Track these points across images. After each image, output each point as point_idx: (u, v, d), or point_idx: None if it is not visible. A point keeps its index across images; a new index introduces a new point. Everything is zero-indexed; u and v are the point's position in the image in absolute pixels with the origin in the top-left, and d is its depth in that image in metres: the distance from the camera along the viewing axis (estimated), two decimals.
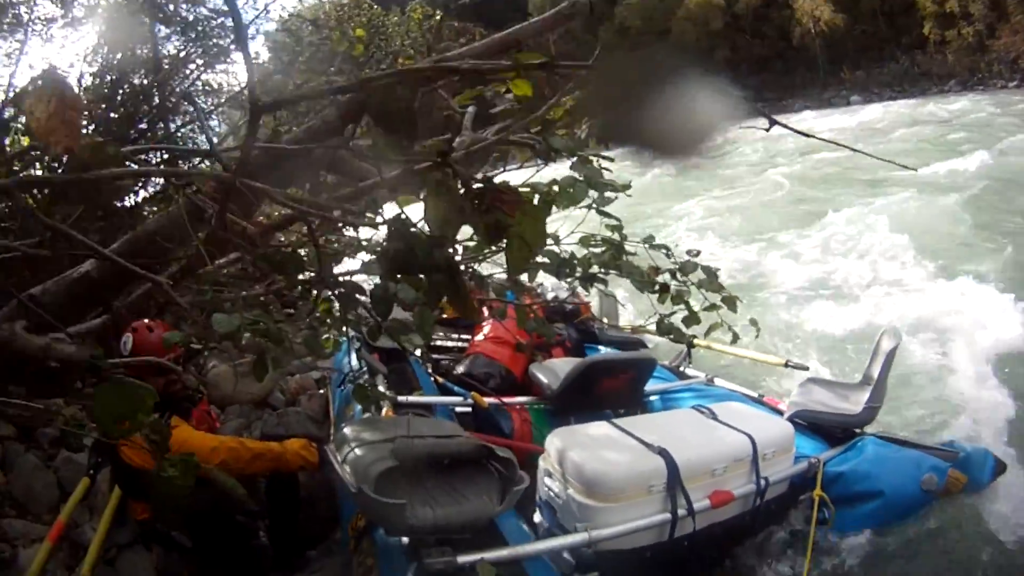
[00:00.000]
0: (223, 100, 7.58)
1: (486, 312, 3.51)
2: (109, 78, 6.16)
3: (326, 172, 2.69)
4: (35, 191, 2.20)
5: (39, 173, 2.90)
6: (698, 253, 2.21)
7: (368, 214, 1.54)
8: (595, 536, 2.18)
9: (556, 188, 1.65)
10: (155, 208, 4.19)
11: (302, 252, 1.65)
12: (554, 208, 1.78)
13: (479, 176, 1.03)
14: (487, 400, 3.08)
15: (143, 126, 6.33)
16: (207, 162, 5.15)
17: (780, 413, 3.20)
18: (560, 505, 2.43)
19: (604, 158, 2.02)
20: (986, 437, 3.52)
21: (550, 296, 4.38)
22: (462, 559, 1.85)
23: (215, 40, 6.82)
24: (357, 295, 1.65)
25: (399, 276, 1.12)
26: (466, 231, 1.06)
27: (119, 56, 6.24)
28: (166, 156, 4.41)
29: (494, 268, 2.41)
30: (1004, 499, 2.81)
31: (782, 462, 2.71)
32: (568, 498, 2.37)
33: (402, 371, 3.27)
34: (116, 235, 2.79)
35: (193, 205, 1.59)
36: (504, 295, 2.60)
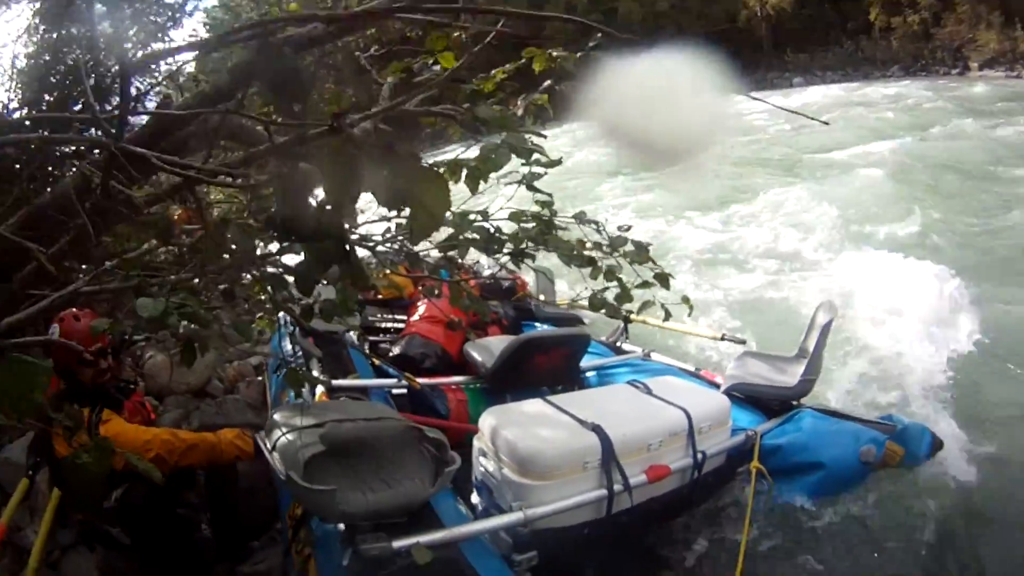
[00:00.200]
0: (160, 80, 7.37)
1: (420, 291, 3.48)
2: (45, 59, 5.89)
3: (226, 141, 2.61)
4: None
5: None
6: (629, 228, 2.20)
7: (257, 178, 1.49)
8: (530, 515, 2.16)
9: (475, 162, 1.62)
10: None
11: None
12: (482, 183, 1.75)
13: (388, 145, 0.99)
14: (421, 381, 3.04)
15: (78, 108, 6.09)
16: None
17: (717, 387, 3.23)
18: (495, 485, 2.41)
19: (537, 134, 1.99)
20: (922, 412, 3.61)
21: (486, 274, 4.35)
22: (397, 544, 1.82)
23: (152, 17, 6.59)
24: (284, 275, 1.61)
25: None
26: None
27: (55, 36, 5.98)
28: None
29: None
30: (941, 472, 2.87)
31: (719, 435, 2.73)
32: (503, 477, 2.35)
33: (337, 355, 3.21)
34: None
35: (83, 176, 1.52)
36: (440, 274, 2.57)
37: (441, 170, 1.46)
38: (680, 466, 2.56)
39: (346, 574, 1.81)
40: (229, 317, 1.82)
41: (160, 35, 6.84)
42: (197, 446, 2.69)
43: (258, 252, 1.74)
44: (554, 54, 1.91)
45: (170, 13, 6.57)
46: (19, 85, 5.47)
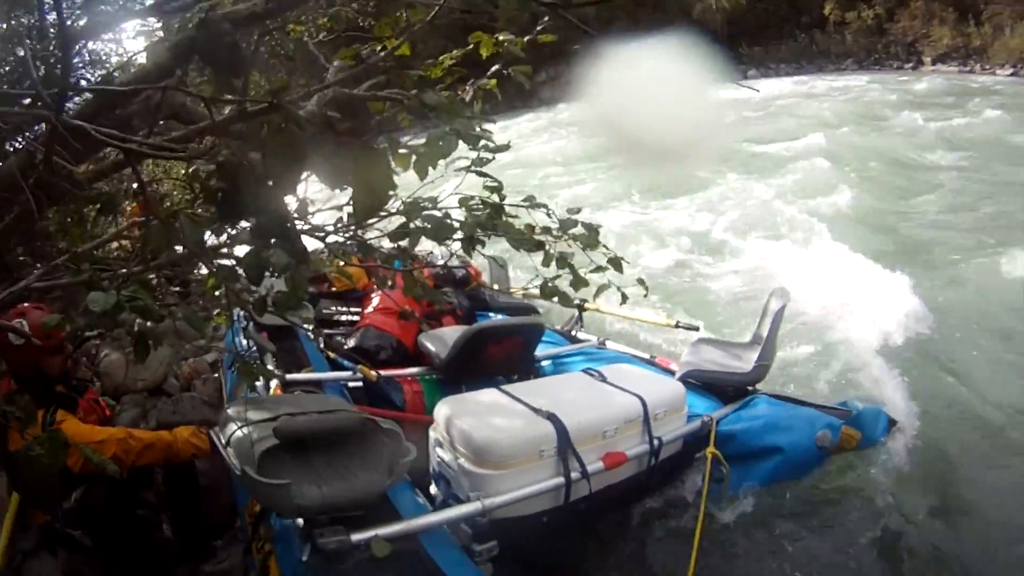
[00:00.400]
0: (111, 70, 7.20)
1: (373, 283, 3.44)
2: None
3: (168, 120, 2.57)
4: None
5: None
6: (579, 211, 2.20)
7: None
8: (488, 504, 2.16)
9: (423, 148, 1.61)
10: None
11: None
12: (432, 171, 1.74)
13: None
14: (376, 373, 3.02)
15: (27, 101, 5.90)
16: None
17: (672, 374, 3.25)
18: (452, 475, 2.40)
19: (486, 119, 1.99)
20: (877, 396, 3.67)
21: (440, 263, 4.34)
22: (356, 537, 1.81)
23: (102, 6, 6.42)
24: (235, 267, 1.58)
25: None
26: None
27: (3, 26, 5.79)
28: None
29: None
30: (896, 455, 2.91)
31: (674, 421, 2.75)
32: (459, 467, 2.34)
33: (292, 349, 3.18)
34: None
35: (27, 153, 1.49)
36: (393, 265, 2.55)
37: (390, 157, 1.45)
38: (636, 453, 2.58)
39: (306, 569, 1.79)
40: (183, 311, 1.79)
41: (111, 26, 6.70)
42: (154, 445, 2.65)
43: (208, 244, 1.71)
44: (500, 38, 1.90)
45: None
46: None
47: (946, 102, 16.88)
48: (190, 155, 1.30)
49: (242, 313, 2.62)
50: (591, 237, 2.08)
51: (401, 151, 1.69)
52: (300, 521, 1.89)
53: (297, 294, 1.46)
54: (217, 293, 2.29)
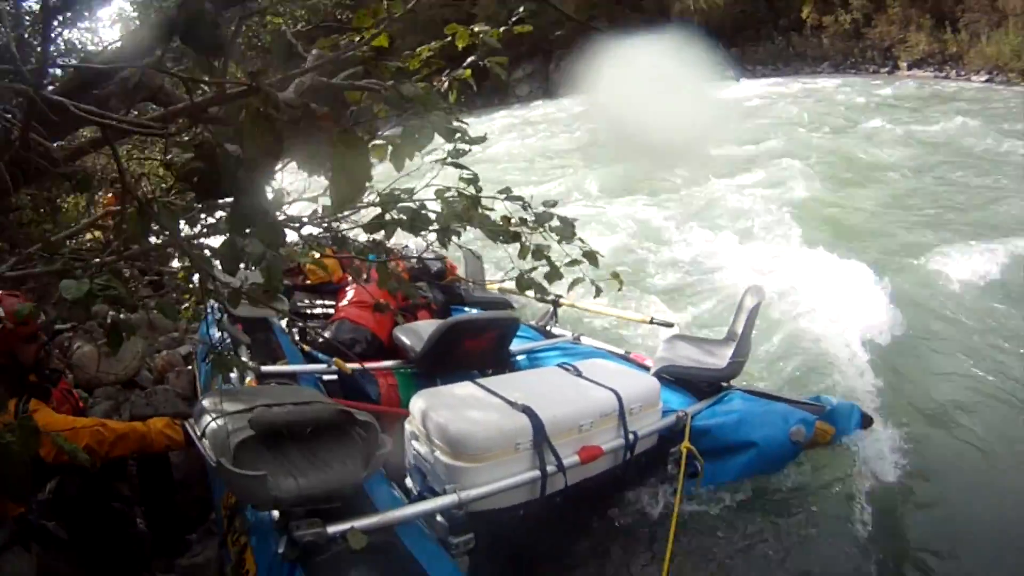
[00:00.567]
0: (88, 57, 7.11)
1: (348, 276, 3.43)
2: None
3: (146, 101, 2.55)
4: None
5: None
6: (555, 203, 2.20)
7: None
8: (464, 497, 2.17)
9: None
10: None
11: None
12: (408, 163, 1.74)
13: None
14: (351, 366, 3.01)
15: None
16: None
17: (647, 369, 3.27)
18: (428, 468, 2.40)
19: (461, 111, 1.99)
20: (850, 391, 3.73)
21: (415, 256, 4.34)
22: (332, 529, 1.80)
23: None
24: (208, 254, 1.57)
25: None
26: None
27: None
28: None
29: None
30: (869, 450, 2.95)
31: (649, 416, 2.78)
32: (435, 460, 2.35)
33: (266, 341, 3.16)
34: None
35: (2, 128, 1.47)
36: (368, 258, 2.55)
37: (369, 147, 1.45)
38: (612, 447, 2.60)
39: (282, 561, 1.78)
40: (155, 302, 1.77)
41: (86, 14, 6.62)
42: (127, 436, 2.63)
43: (183, 234, 1.70)
44: (476, 30, 1.90)
45: None
46: None
47: (917, 106, 17.12)
48: (168, 133, 1.28)
49: (216, 305, 2.59)
50: (567, 229, 2.08)
51: (377, 142, 1.68)
52: (276, 513, 1.89)
53: (274, 285, 1.45)
54: (191, 285, 2.27)
